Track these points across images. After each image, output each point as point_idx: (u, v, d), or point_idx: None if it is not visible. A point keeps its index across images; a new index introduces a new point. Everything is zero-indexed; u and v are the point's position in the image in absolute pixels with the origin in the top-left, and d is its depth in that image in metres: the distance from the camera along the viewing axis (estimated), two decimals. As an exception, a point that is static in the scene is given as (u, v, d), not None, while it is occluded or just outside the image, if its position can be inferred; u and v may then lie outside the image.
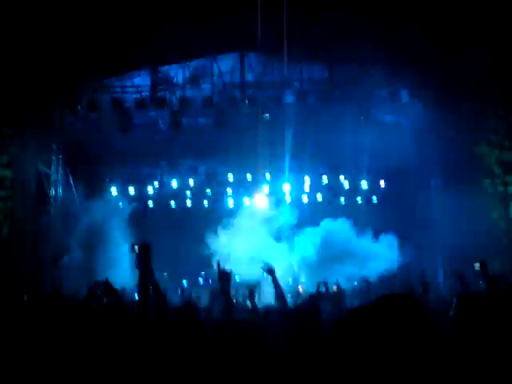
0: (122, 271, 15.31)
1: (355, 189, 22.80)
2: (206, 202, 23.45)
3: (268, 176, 22.31)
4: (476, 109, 18.74)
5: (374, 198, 22.80)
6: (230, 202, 23.18)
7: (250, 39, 19.37)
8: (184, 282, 20.72)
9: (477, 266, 7.37)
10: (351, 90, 20.34)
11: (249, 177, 22.52)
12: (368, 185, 22.64)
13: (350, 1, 17.45)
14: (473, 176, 18.68)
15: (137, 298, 6.07)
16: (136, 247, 5.63)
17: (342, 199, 22.94)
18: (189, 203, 23.33)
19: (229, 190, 23.06)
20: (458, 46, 17.36)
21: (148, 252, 5.58)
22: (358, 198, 22.85)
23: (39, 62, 18.61)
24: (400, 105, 20.64)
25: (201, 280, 21.82)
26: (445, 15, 16.80)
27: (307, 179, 22.58)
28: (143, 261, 5.49)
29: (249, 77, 21.37)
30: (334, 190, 23.00)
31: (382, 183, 22.48)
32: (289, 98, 20.61)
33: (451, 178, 19.22)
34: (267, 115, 20.33)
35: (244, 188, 22.85)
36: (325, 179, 22.65)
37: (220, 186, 23.15)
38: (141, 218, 21.12)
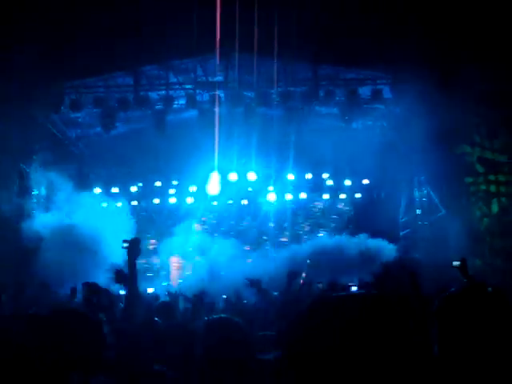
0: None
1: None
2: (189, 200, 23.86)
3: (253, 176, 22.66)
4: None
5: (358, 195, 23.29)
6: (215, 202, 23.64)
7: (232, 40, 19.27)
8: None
9: (456, 263, 7.45)
10: (334, 91, 20.69)
11: (233, 176, 22.64)
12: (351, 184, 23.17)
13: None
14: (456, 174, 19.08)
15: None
16: (125, 243, 5.75)
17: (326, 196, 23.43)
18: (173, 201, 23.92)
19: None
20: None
21: (138, 246, 5.72)
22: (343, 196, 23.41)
23: (23, 61, 18.63)
24: (382, 102, 20.97)
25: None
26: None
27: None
28: (133, 255, 5.62)
29: (231, 77, 21.39)
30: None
31: (366, 181, 22.97)
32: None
33: (434, 177, 19.69)
34: None
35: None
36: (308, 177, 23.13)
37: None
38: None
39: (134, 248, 5.62)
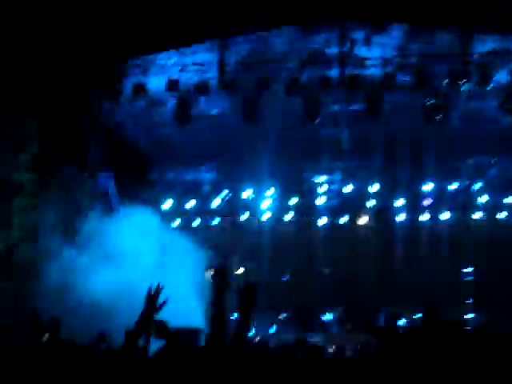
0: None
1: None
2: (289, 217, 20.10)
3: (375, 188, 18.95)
4: None
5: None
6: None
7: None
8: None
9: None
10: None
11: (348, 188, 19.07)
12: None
13: None
14: None
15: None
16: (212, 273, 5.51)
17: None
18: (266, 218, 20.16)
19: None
20: None
21: (226, 279, 5.25)
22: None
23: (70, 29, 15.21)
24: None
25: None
26: None
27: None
28: (220, 290, 5.15)
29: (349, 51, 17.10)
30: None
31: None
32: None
33: None
34: None
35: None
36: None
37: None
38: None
39: (221, 280, 5.18)
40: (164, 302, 5.26)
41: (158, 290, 5.24)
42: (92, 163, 17.04)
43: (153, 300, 5.18)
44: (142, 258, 14.98)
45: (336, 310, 18.91)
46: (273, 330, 18.09)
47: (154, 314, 5.27)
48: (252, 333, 16.26)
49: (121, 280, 14.35)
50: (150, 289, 5.22)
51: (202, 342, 10.89)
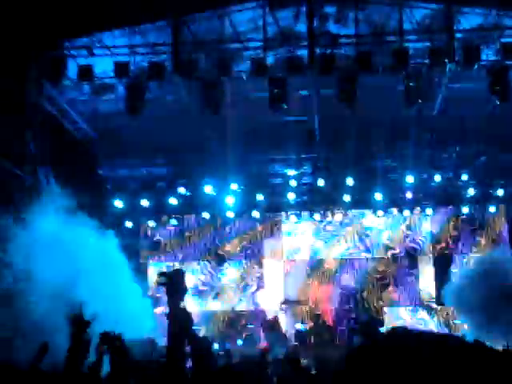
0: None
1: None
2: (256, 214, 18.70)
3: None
4: None
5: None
6: (292, 219, 18.57)
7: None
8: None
9: None
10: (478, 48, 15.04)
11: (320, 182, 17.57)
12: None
13: None
14: None
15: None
16: (163, 277, 5.21)
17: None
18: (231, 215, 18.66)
19: (290, 196, 18.05)
20: None
21: (182, 282, 5.08)
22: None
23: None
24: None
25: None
26: None
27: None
28: (175, 294, 4.96)
29: (319, 28, 15.82)
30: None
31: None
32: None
33: None
34: None
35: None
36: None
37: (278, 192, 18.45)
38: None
39: (175, 284, 4.99)
40: (92, 319, 4.95)
41: (81, 309, 5.00)
42: (31, 157, 15.46)
43: (78, 321, 4.96)
44: (82, 263, 13.35)
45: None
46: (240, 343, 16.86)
47: (83, 333, 5.01)
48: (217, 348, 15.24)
49: (59, 288, 12.76)
50: (73, 310, 5.02)
51: (156, 353, 10.45)
